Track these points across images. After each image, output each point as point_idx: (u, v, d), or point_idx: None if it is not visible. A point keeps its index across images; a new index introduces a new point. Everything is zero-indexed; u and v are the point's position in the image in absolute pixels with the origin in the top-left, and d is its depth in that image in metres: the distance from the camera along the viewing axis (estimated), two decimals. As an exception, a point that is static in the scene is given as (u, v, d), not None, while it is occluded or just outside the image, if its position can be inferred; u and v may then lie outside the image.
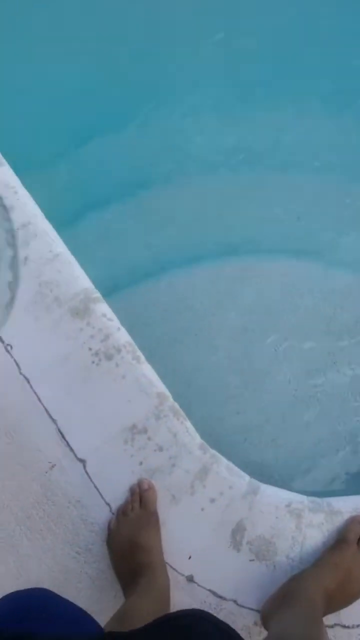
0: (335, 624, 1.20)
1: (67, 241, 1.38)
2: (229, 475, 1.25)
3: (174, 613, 0.78)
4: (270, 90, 1.95)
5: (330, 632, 1.18)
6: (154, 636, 0.71)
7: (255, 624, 1.18)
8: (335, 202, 1.78)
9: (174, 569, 1.19)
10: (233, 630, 0.74)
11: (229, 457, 1.32)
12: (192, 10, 2.03)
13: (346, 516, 1.22)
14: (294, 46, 2.00)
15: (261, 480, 1.31)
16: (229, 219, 1.73)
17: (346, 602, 1.16)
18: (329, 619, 1.17)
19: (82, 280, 1.34)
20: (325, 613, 1.12)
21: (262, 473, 1.39)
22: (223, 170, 1.84)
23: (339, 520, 1.22)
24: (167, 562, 1.18)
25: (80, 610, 0.85)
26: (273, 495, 1.25)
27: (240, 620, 1.18)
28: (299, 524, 1.22)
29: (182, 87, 1.96)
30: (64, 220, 1.60)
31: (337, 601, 1.14)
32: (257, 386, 1.48)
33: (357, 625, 1.20)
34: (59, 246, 1.36)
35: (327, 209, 1.76)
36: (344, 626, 1.20)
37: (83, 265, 1.35)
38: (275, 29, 2.02)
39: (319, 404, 1.45)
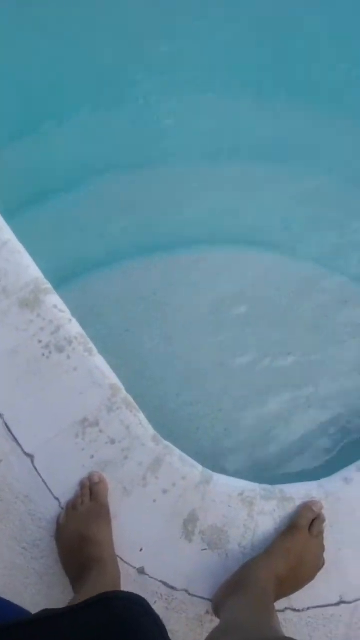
0: (286, 608, 1.22)
1: (16, 229, 1.34)
2: (182, 466, 1.25)
3: (108, 594, 0.78)
4: (230, 80, 1.94)
5: (281, 616, 1.19)
6: (87, 618, 0.71)
7: (207, 612, 1.19)
8: (291, 195, 1.79)
9: (125, 561, 1.18)
10: (161, 621, 0.75)
11: (182, 447, 1.32)
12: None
13: (298, 502, 1.23)
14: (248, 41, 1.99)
15: (214, 469, 1.32)
16: (184, 208, 1.72)
17: (297, 586, 1.18)
18: (280, 604, 1.19)
19: (31, 270, 1.30)
20: (277, 598, 1.13)
21: (216, 462, 1.40)
22: (179, 160, 1.83)
23: (290, 507, 1.23)
24: (118, 555, 1.17)
25: (20, 608, 0.83)
26: (226, 484, 1.25)
27: (192, 609, 1.19)
28: (251, 512, 1.23)
29: (140, 74, 1.93)
30: (13, 208, 1.55)
31: (288, 586, 1.16)
32: (210, 376, 1.48)
33: (308, 608, 1.22)
34: (7, 234, 1.32)
35: (283, 201, 1.77)
36: (295, 610, 1.22)
37: (33, 254, 1.32)
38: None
39: (272, 393, 1.46)
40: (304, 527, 1.19)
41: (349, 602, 1.21)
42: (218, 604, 1.14)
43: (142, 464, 1.23)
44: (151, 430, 1.28)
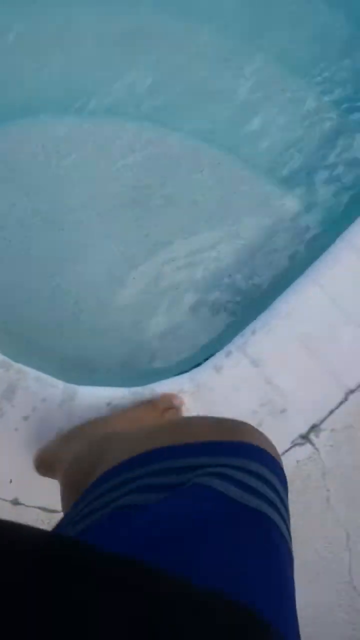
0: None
1: None
2: (40, 388, 1.14)
3: None
4: None
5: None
6: None
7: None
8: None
9: (-5, 497, 1.12)
10: None
11: (44, 360, 1.21)
12: None
13: (171, 400, 1.17)
14: None
15: (84, 376, 1.23)
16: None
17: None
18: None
19: None
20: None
21: (83, 368, 1.28)
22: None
23: (162, 405, 1.17)
24: (-14, 493, 1.11)
25: None
26: (91, 396, 1.16)
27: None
28: (123, 419, 1.16)
29: None
30: None
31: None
32: (66, 274, 1.30)
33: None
34: None
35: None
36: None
37: None
38: None
39: (133, 285, 1.31)
40: (159, 406, 1.12)
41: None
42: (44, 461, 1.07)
43: (-5, 394, 1.11)
44: (-1, 356, 1.14)
